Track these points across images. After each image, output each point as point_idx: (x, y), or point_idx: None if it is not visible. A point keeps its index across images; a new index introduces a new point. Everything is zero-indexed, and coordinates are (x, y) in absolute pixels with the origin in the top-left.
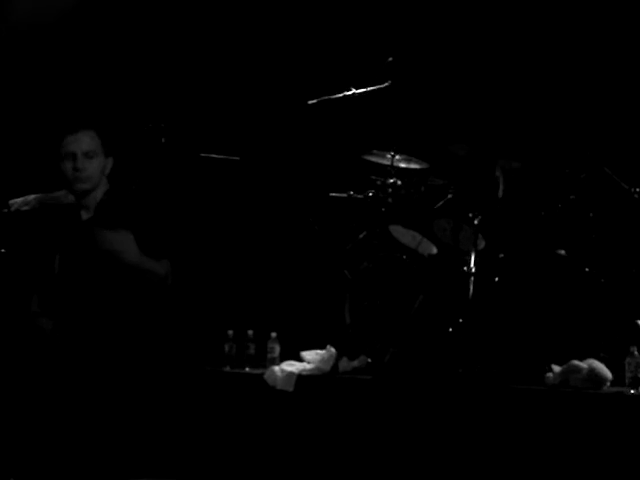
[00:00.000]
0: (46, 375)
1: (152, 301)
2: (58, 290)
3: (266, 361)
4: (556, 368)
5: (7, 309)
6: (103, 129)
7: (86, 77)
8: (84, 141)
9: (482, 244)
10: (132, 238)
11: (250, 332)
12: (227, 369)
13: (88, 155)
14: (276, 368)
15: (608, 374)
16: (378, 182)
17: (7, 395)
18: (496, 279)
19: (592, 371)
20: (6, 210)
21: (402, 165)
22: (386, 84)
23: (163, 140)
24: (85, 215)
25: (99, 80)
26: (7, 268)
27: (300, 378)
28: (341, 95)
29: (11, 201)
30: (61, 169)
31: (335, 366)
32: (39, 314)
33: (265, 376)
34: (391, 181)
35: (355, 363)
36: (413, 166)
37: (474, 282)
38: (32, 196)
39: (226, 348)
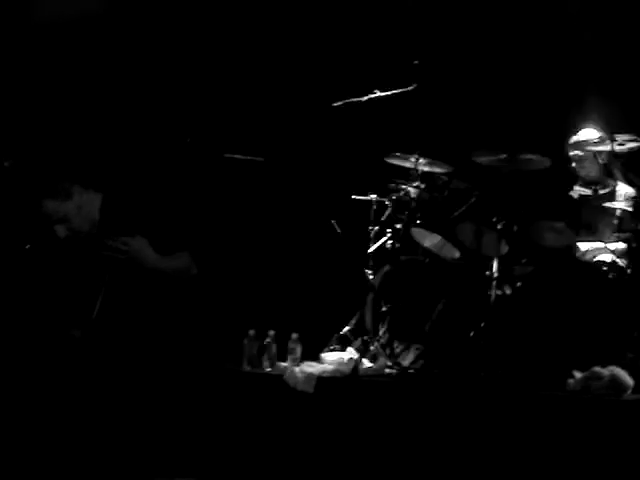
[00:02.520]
0: (74, 381)
1: (174, 297)
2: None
3: (287, 362)
4: (578, 374)
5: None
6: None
7: (113, 76)
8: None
9: (505, 249)
10: (146, 243)
11: (271, 332)
12: (247, 369)
13: (61, 221)
14: (296, 369)
15: (630, 381)
16: (401, 185)
17: (35, 399)
18: (519, 284)
19: (613, 378)
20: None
21: (425, 169)
22: (411, 87)
23: (188, 140)
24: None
25: (125, 79)
26: (32, 265)
27: (320, 380)
28: (366, 98)
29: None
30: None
31: (355, 369)
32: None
33: (285, 377)
34: (414, 184)
35: (375, 366)
36: (437, 170)
37: (496, 287)
38: None
39: (247, 348)
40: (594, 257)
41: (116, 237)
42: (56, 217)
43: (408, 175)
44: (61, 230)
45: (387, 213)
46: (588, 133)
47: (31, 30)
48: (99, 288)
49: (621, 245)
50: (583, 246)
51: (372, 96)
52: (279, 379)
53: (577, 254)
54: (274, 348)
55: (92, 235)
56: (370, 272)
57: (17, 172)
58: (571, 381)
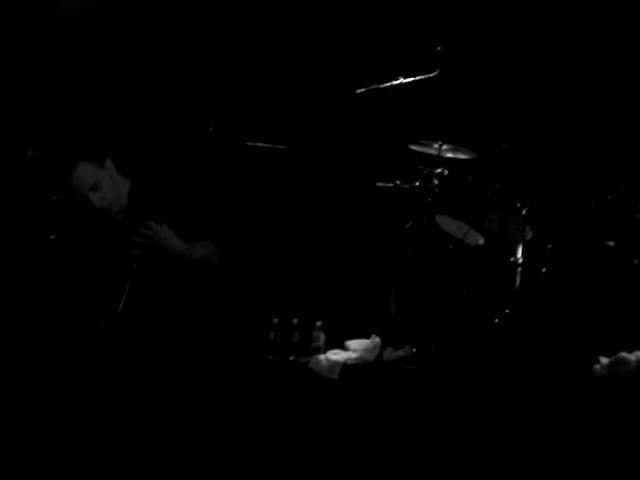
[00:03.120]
0: (102, 370)
1: (204, 284)
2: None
3: (311, 349)
4: (604, 360)
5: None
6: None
7: (137, 65)
8: (85, 179)
9: (530, 235)
10: (171, 230)
11: (295, 320)
12: (272, 357)
13: (94, 188)
14: (321, 357)
15: None
16: (425, 172)
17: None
18: (544, 270)
19: None
20: (57, 197)
21: (449, 155)
22: (434, 73)
23: (210, 129)
24: (119, 217)
25: (150, 69)
26: (56, 256)
27: (345, 367)
28: (389, 84)
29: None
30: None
31: (380, 356)
32: (97, 314)
33: (310, 364)
34: (438, 171)
35: (400, 353)
36: (460, 156)
37: (521, 273)
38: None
39: (271, 336)
40: None
41: (143, 223)
42: (89, 183)
43: (432, 162)
44: (97, 199)
45: (411, 200)
46: None
47: (59, 17)
48: (127, 276)
49: None
50: None
51: (395, 83)
52: (304, 367)
53: None
54: (298, 336)
55: (119, 220)
56: (394, 259)
57: (41, 161)
58: (597, 367)
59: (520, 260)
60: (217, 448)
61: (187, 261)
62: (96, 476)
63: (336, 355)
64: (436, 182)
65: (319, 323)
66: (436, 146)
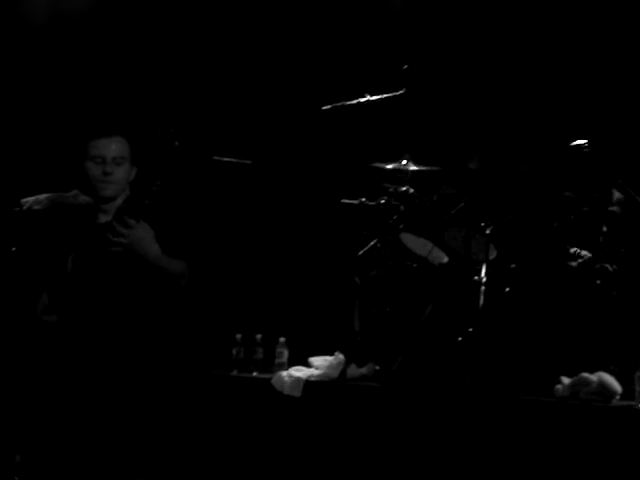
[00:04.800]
0: (50, 371)
1: (166, 301)
2: (69, 289)
3: (274, 366)
4: (565, 380)
5: (16, 306)
6: (133, 138)
7: (98, 80)
8: (115, 147)
9: (494, 254)
10: (152, 232)
11: (258, 336)
12: (235, 373)
13: (117, 161)
14: (284, 373)
15: (618, 387)
16: (390, 189)
17: (10, 391)
18: (507, 289)
19: (602, 384)
20: (18, 209)
21: (415, 173)
22: (401, 92)
23: (176, 143)
24: (103, 219)
25: (111, 84)
26: (18, 266)
27: (308, 384)
28: (355, 101)
29: (23, 200)
30: (85, 170)
31: (343, 373)
32: (48, 310)
33: (273, 381)
34: (403, 189)
35: (363, 370)
36: (426, 175)
37: (485, 292)
38: (43, 195)
39: (234, 352)
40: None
41: (122, 219)
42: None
43: (397, 179)
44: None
45: (376, 217)
46: None
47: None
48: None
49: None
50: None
51: (362, 100)
52: (267, 383)
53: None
54: (261, 352)
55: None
56: (358, 276)
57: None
58: (559, 387)
59: (484, 279)
60: (176, 464)
61: (159, 271)
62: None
63: (299, 372)
64: (401, 200)
65: (282, 339)
66: (402, 164)
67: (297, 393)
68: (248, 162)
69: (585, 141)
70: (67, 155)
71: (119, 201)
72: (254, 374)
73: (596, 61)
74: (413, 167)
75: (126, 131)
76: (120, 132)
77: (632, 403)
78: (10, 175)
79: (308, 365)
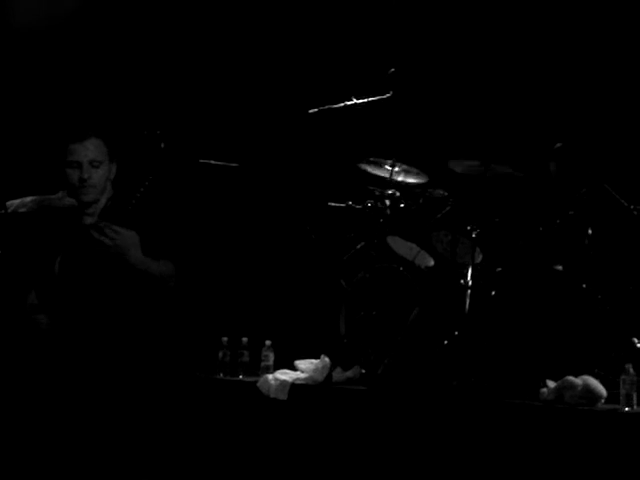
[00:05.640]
0: (40, 372)
1: (153, 303)
2: (57, 291)
3: (260, 369)
4: (551, 384)
5: (3, 309)
6: (109, 136)
7: (85, 83)
8: (90, 150)
9: (479, 257)
10: (137, 239)
11: (244, 339)
12: (220, 376)
13: (93, 164)
14: (270, 376)
15: (603, 391)
16: (377, 193)
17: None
18: (493, 293)
19: (587, 388)
20: (3, 211)
21: (401, 176)
22: (387, 95)
23: (162, 145)
24: (89, 220)
25: (98, 86)
26: (3, 269)
27: (293, 387)
28: (342, 105)
29: (8, 202)
30: (65, 175)
31: (329, 376)
32: (36, 309)
33: (258, 384)
34: (390, 192)
35: (349, 373)
36: (412, 179)
37: (471, 295)
38: (29, 198)
39: (220, 355)
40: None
41: (109, 224)
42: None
43: (383, 183)
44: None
45: (363, 221)
46: None
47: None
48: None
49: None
50: None
51: (348, 103)
52: (253, 386)
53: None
54: (247, 355)
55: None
56: (344, 280)
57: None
58: (544, 390)
59: (470, 282)
60: (162, 467)
61: (144, 275)
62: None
63: (285, 375)
64: (387, 203)
65: (268, 342)
66: (388, 167)
67: (283, 396)
68: (235, 165)
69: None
70: (51, 157)
71: (102, 202)
72: (240, 377)
73: (577, 66)
74: (399, 171)
75: (101, 130)
76: (95, 133)
77: (617, 407)
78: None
79: (294, 368)
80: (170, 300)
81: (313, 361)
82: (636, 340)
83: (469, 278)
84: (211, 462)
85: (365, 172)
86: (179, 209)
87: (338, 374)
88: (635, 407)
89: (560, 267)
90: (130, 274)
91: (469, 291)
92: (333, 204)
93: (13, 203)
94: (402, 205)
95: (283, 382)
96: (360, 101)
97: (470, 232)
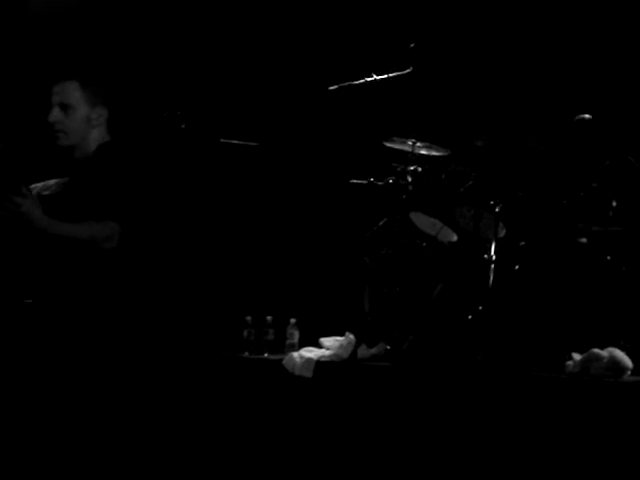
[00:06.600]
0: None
1: (89, 264)
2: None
3: (285, 347)
4: (576, 356)
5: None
6: (88, 78)
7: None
8: (60, 93)
9: (503, 232)
10: (35, 203)
11: (269, 318)
12: (246, 355)
13: (64, 107)
14: (295, 354)
15: (629, 363)
16: (399, 169)
17: None
18: (516, 267)
19: (613, 359)
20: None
21: (423, 152)
22: (408, 70)
23: (183, 126)
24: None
25: (118, 68)
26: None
27: (318, 364)
28: (362, 81)
29: (32, 185)
30: None
31: (354, 353)
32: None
33: (284, 362)
34: (412, 168)
35: (374, 350)
36: (434, 153)
37: (494, 270)
38: (53, 181)
39: (245, 334)
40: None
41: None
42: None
43: (406, 159)
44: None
45: (385, 197)
46: None
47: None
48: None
49: None
50: None
51: (368, 79)
52: (278, 364)
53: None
54: (272, 333)
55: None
56: (368, 256)
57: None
58: (570, 363)
59: (493, 257)
60: (190, 446)
61: (62, 238)
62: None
63: (310, 352)
64: (410, 179)
65: (293, 320)
66: (410, 143)
67: (308, 374)
68: (255, 144)
69: (589, 115)
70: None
71: (91, 146)
72: (265, 355)
73: (599, 37)
74: (421, 148)
75: (79, 72)
76: (71, 75)
77: None
78: (18, 161)
79: (319, 346)
80: (114, 259)
81: (338, 338)
82: None
83: (493, 253)
84: (237, 441)
85: (387, 148)
86: (201, 189)
87: (363, 351)
88: None
89: (584, 240)
90: (47, 239)
91: (493, 266)
92: (355, 181)
93: (37, 186)
94: (424, 181)
95: (308, 360)
96: (380, 77)
97: (493, 207)
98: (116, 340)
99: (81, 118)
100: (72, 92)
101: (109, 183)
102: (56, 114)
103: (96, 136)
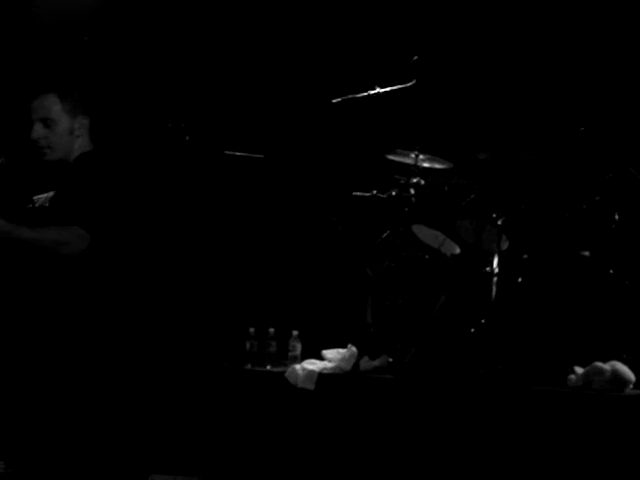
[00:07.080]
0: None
1: (45, 271)
2: None
3: (287, 359)
4: (579, 370)
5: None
6: (65, 89)
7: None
8: (40, 108)
9: (505, 245)
10: None
11: (272, 330)
12: (248, 367)
13: (45, 122)
14: (297, 366)
15: (631, 376)
16: (402, 181)
17: None
18: (519, 280)
19: (615, 373)
20: (31, 206)
21: (426, 165)
22: (411, 83)
23: (187, 138)
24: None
25: (119, 79)
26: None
27: (321, 376)
28: (365, 94)
29: (35, 197)
30: None
31: (356, 365)
32: None
33: (286, 374)
34: (414, 180)
35: (376, 362)
36: (437, 166)
37: (497, 283)
38: (52, 193)
39: (247, 346)
40: None
41: None
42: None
43: (409, 171)
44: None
45: (388, 209)
46: None
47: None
48: None
49: None
50: None
51: (372, 92)
52: (280, 376)
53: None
54: (274, 346)
55: None
56: (371, 269)
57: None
58: (572, 377)
59: (496, 270)
60: (190, 458)
61: (15, 243)
62: None
63: (312, 365)
64: (412, 192)
65: (295, 332)
66: (412, 155)
67: (311, 386)
68: (260, 156)
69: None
70: None
71: (74, 156)
72: (267, 367)
73: (600, 51)
74: (424, 161)
75: (56, 84)
76: (48, 88)
77: None
78: (22, 173)
79: (321, 358)
80: (72, 266)
81: (340, 350)
82: None
83: (495, 265)
84: (240, 453)
85: (390, 160)
86: (205, 200)
87: (365, 363)
88: None
89: (587, 253)
90: (10, 244)
91: (495, 278)
92: (358, 193)
93: (40, 197)
94: (427, 193)
95: (310, 372)
96: (383, 90)
97: (496, 219)
98: (81, 351)
99: (64, 131)
100: (51, 106)
101: (81, 190)
102: (39, 130)
103: (78, 146)
